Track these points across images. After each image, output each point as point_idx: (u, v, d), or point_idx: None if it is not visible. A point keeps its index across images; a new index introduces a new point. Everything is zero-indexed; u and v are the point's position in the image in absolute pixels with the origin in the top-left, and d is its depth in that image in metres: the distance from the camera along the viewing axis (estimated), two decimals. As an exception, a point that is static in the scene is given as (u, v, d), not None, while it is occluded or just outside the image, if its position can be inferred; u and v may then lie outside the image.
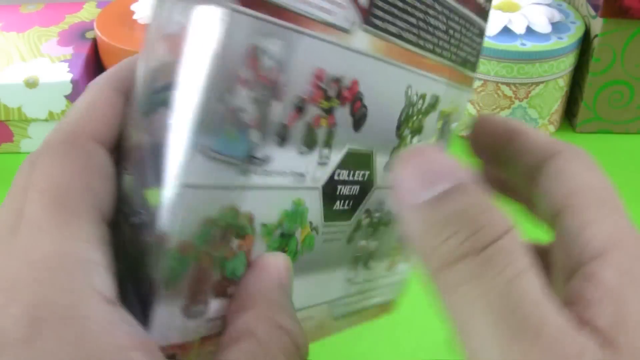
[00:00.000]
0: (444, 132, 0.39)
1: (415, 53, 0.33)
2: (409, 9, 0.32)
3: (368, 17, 0.29)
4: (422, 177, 0.24)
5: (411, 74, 0.34)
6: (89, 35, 0.89)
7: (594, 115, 0.84)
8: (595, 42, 0.79)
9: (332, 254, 0.36)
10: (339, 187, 0.33)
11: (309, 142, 0.30)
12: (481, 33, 0.38)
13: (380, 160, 0.35)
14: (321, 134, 0.30)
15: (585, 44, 0.82)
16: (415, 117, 0.35)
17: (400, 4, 0.31)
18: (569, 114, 0.89)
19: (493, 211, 0.24)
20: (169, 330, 0.27)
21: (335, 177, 0.33)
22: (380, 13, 0.30)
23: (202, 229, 0.27)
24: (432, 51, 0.34)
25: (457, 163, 0.25)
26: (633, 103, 0.83)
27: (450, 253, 0.24)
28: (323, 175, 0.32)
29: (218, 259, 0.28)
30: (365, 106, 0.32)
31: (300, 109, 0.28)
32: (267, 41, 0.25)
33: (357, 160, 0.33)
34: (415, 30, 0.33)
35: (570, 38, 0.81)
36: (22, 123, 0.83)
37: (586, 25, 0.81)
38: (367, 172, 0.34)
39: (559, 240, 0.28)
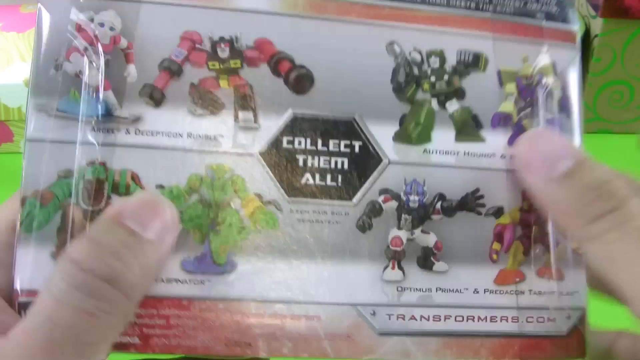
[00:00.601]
0: (538, 98, 0.33)
1: (399, 8, 0.32)
2: None
3: None
4: (545, 157, 0.29)
5: (392, 29, 0.32)
6: None
7: (594, 115, 0.80)
8: (595, 42, 0.76)
9: (336, 240, 0.30)
10: (300, 157, 0.30)
11: (206, 104, 0.30)
12: None
13: (379, 129, 0.31)
14: (226, 95, 0.30)
15: (585, 44, 0.78)
16: (430, 77, 0.32)
17: None
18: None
19: (618, 178, 0.29)
20: (33, 274, 0.28)
21: (285, 145, 0.30)
22: None
23: (61, 181, 0.29)
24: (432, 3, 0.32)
25: (570, 142, 0.32)
26: (633, 103, 0.79)
27: (594, 211, 0.28)
28: (255, 141, 0.30)
29: (96, 214, 0.29)
30: (302, 66, 0.31)
31: (170, 70, 0.30)
32: (99, 14, 0.30)
33: (329, 128, 0.31)
34: None
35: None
36: (22, 123, 0.79)
37: (586, 25, 0.78)
38: (359, 143, 0.31)
39: None
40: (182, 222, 0.30)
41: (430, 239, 0.31)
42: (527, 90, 0.33)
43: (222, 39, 0.30)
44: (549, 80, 0.33)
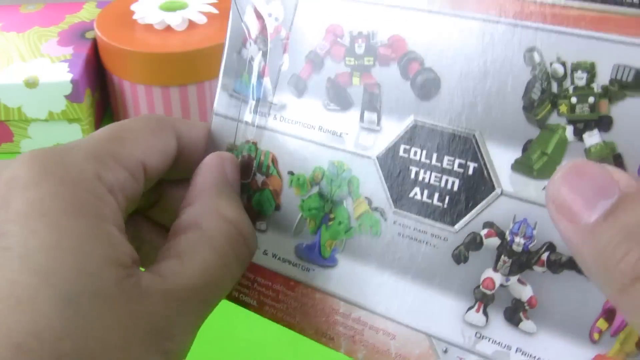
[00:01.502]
0: None
1: (549, 4, 0.26)
2: None
3: None
4: (584, 196, 0.24)
5: (536, 32, 0.26)
6: (89, 35, 0.85)
7: None
8: None
9: (429, 264, 0.29)
10: (413, 168, 0.29)
11: (338, 100, 0.31)
12: None
13: (499, 153, 0.27)
14: (356, 93, 0.30)
15: None
16: (571, 98, 0.25)
17: None
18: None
19: None
20: None
21: (402, 153, 0.29)
22: None
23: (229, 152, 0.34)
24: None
25: (618, 171, 0.24)
26: None
27: (630, 271, 0.22)
28: (375, 144, 0.30)
29: (245, 187, 0.33)
30: (430, 70, 0.28)
31: (314, 62, 0.31)
32: (270, 3, 0.32)
33: (446, 142, 0.28)
34: None
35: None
36: (22, 123, 0.80)
37: None
38: (474, 165, 0.27)
39: None
40: (302, 210, 0.32)
41: (526, 292, 0.26)
42: None
43: (359, 34, 0.30)
44: None
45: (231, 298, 0.34)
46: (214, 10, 0.78)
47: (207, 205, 0.30)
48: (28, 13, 0.91)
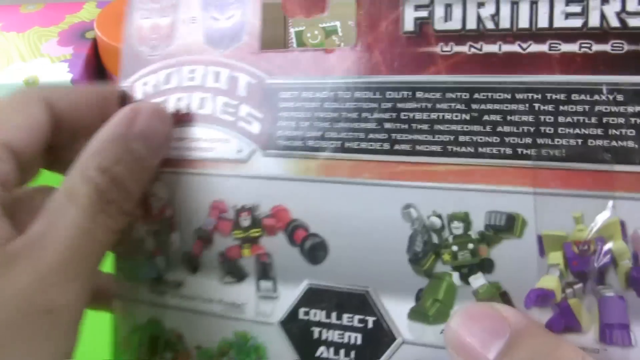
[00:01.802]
0: (594, 271, 0.26)
1: (416, 163, 0.28)
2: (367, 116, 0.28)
3: (270, 142, 0.30)
4: (480, 338, 0.25)
5: (409, 190, 0.28)
6: (89, 35, 0.85)
7: None
8: None
9: None
10: (315, 329, 0.29)
11: (232, 272, 0.31)
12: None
13: (394, 304, 0.28)
14: (248, 264, 0.31)
15: None
16: (452, 247, 0.27)
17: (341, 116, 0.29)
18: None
19: (559, 350, 0.24)
20: None
21: (302, 316, 0.29)
22: (293, 134, 0.29)
23: (135, 334, 0.33)
24: (459, 154, 0.27)
25: (506, 308, 0.25)
26: None
27: None
28: (275, 310, 0.30)
29: None
30: (316, 235, 0.29)
31: (204, 239, 0.31)
32: (154, 185, 0.32)
33: (342, 301, 0.29)
34: (403, 137, 0.28)
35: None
36: None
37: None
38: (373, 319, 0.28)
39: None
40: None
41: None
42: (579, 260, 0.25)
43: (243, 208, 0.30)
44: (613, 246, 0.25)
45: None
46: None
47: (79, 165, 0.29)
48: (28, 13, 0.90)
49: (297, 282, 0.30)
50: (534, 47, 0.26)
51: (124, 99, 0.33)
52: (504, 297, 0.26)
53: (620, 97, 0.25)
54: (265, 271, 0.30)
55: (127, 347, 0.34)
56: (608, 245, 0.25)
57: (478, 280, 0.27)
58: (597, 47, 0.25)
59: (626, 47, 0.25)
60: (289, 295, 0.30)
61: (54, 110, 0.31)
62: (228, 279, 0.31)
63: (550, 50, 0.25)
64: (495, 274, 0.26)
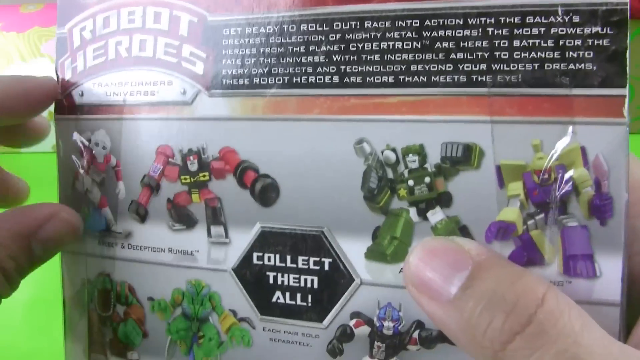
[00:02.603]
0: (556, 200, 0.24)
1: (367, 96, 0.26)
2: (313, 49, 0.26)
3: (214, 82, 0.28)
4: (441, 273, 0.23)
5: (361, 124, 0.26)
6: None
7: None
8: None
9: None
10: (270, 274, 0.27)
11: (182, 219, 0.29)
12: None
13: (351, 245, 0.26)
14: (197, 210, 0.29)
15: None
16: (408, 181, 0.25)
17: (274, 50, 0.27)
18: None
19: (522, 280, 0.22)
20: None
21: (256, 261, 0.28)
22: (238, 72, 0.27)
23: (83, 289, 0.31)
24: (407, 83, 0.25)
25: (467, 242, 0.23)
26: (633, 103, 0.71)
27: (497, 338, 0.21)
28: (228, 256, 0.28)
29: (107, 320, 0.31)
30: (266, 176, 0.27)
31: (150, 186, 0.29)
32: (96, 133, 0.30)
33: (297, 243, 0.27)
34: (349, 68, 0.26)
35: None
36: None
37: None
38: (329, 260, 0.27)
39: None
40: (170, 333, 0.30)
41: None
42: (540, 190, 0.24)
43: (190, 152, 0.28)
44: (574, 173, 0.23)
45: None
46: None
47: None
48: (28, 13, 0.87)
49: (250, 226, 0.28)
50: (486, -32, 0.24)
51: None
52: (464, 232, 0.24)
53: (576, 18, 0.23)
54: (215, 216, 0.28)
55: (78, 304, 0.32)
56: (569, 173, 0.23)
57: (436, 215, 0.25)
58: (552, -35, 0.23)
59: (582, -37, 0.23)
60: (241, 240, 0.28)
61: None
62: (178, 226, 0.29)
63: None
64: (454, 208, 0.25)
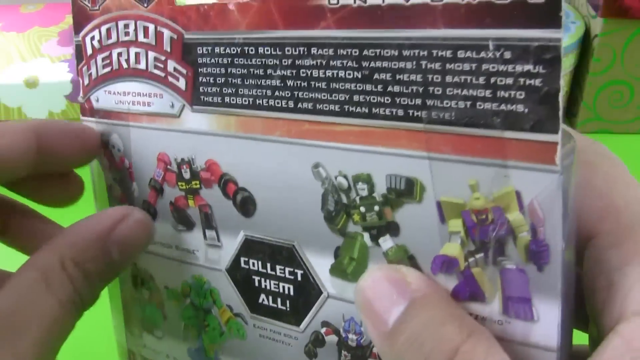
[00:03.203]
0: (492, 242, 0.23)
1: (317, 122, 0.25)
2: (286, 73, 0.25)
3: (195, 98, 0.28)
4: (382, 303, 0.24)
5: (315, 149, 0.25)
6: None
7: (594, 115, 0.78)
8: (595, 42, 0.74)
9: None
10: (255, 277, 0.29)
11: (183, 221, 0.31)
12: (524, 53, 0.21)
13: (317, 260, 0.27)
14: (194, 214, 0.30)
15: (585, 44, 0.76)
16: (360, 208, 0.25)
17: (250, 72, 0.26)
18: (569, 114, 0.80)
19: (445, 327, 0.22)
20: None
21: (243, 265, 0.29)
22: (212, 90, 0.27)
23: None
24: (351, 114, 0.24)
25: (412, 273, 0.24)
26: (633, 103, 0.77)
27: None
28: (221, 258, 0.30)
29: (137, 300, 0.34)
30: (244, 189, 0.28)
31: (156, 189, 0.31)
32: (112, 136, 0.32)
33: (274, 253, 0.28)
34: (305, 95, 0.25)
35: (571, 38, 0.72)
36: None
37: (586, 25, 0.76)
38: (301, 272, 0.27)
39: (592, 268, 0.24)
40: (182, 319, 0.32)
41: None
42: (479, 229, 0.22)
43: (183, 161, 0.29)
44: (510, 216, 0.21)
45: None
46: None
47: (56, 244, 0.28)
48: (28, 13, 0.88)
49: (236, 233, 0.29)
50: (416, -2, 0.22)
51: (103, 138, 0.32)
52: (412, 261, 0.24)
53: (507, 54, 0.20)
54: (208, 221, 0.29)
55: (114, 282, 0.35)
56: (506, 216, 0.22)
57: (387, 243, 0.24)
58: (480, -3, 0.21)
59: (510, -4, 0.20)
60: (230, 245, 0.29)
61: (40, 138, 0.30)
62: (180, 227, 0.31)
63: (432, 1, 0.21)
64: (402, 237, 0.24)
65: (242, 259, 0.29)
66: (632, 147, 0.76)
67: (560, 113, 0.20)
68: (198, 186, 0.29)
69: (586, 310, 0.24)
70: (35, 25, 0.85)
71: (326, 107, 0.24)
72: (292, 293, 0.28)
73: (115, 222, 0.29)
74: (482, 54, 0.20)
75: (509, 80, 0.20)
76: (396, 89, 0.22)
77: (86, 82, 0.32)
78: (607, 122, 0.79)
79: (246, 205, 0.28)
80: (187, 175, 0.29)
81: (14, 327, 0.25)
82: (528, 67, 0.20)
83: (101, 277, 0.28)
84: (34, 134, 0.30)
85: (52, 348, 0.26)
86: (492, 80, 0.20)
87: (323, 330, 0.27)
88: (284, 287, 0.28)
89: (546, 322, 0.22)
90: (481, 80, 0.21)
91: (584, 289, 0.24)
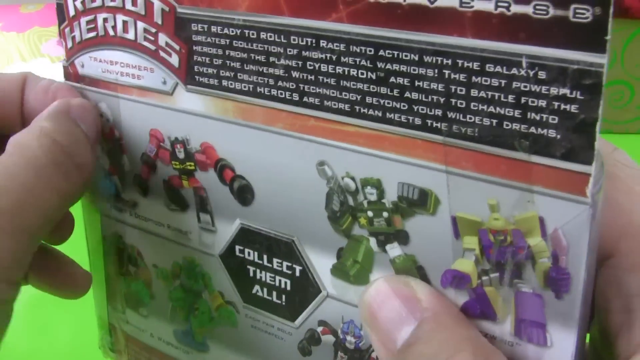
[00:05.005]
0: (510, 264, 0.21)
1: (325, 120, 0.23)
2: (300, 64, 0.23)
3: (189, 77, 0.25)
4: (391, 321, 0.22)
5: (321, 146, 0.23)
6: None
7: None
8: None
9: (281, 355, 0.28)
10: (250, 268, 0.27)
11: (176, 201, 0.29)
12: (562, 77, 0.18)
13: (318, 258, 0.25)
14: (188, 195, 0.28)
15: None
16: (367, 212, 0.23)
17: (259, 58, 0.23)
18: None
19: (457, 356, 0.20)
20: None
21: (238, 253, 0.27)
22: (208, 71, 0.25)
23: (101, 244, 0.33)
24: (378, 119, 0.21)
25: (422, 288, 0.22)
26: (633, 103, 0.76)
27: None
28: (215, 243, 0.28)
29: (122, 275, 0.32)
30: (242, 177, 0.25)
31: (149, 164, 0.29)
32: (100, 104, 0.29)
33: (272, 245, 0.26)
34: (326, 91, 0.22)
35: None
36: None
37: None
38: (300, 268, 0.25)
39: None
40: (171, 300, 0.30)
41: None
42: (496, 250, 0.20)
43: (177, 140, 0.27)
44: (531, 241, 0.19)
45: None
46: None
47: (32, 125, 0.27)
48: (28, 13, 0.85)
49: (231, 219, 0.27)
50: (443, 1, 0.19)
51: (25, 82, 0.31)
52: (420, 271, 0.22)
53: (542, 75, 0.18)
54: (203, 204, 0.27)
55: (97, 255, 0.33)
56: (526, 240, 0.20)
57: (394, 250, 0.22)
58: (516, 8, 0.18)
59: (552, 12, 0.17)
60: (225, 231, 0.27)
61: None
62: (173, 206, 0.28)
63: (461, 6, 0.19)
64: (411, 247, 0.22)
65: (237, 247, 0.27)
66: (632, 147, 0.76)
67: (597, 144, 0.18)
68: (193, 168, 0.27)
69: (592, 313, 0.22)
70: (35, 25, 0.83)
71: (335, 104, 0.22)
72: (288, 288, 0.26)
73: (66, 105, 0.27)
74: (514, 71, 0.18)
75: (542, 103, 0.18)
76: (414, 95, 0.20)
77: (69, 44, 0.29)
78: (607, 122, 0.77)
79: (244, 193, 0.26)
80: (181, 155, 0.27)
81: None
82: (564, 91, 0.17)
83: (78, 149, 0.26)
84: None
85: (22, 214, 0.24)
86: (523, 100, 0.18)
87: (320, 329, 0.26)
88: (280, 280, 0.26)
89: (560, 349, 0.20)
90: (510, 98, 0.18)
91: (595, 303, 0.22)
